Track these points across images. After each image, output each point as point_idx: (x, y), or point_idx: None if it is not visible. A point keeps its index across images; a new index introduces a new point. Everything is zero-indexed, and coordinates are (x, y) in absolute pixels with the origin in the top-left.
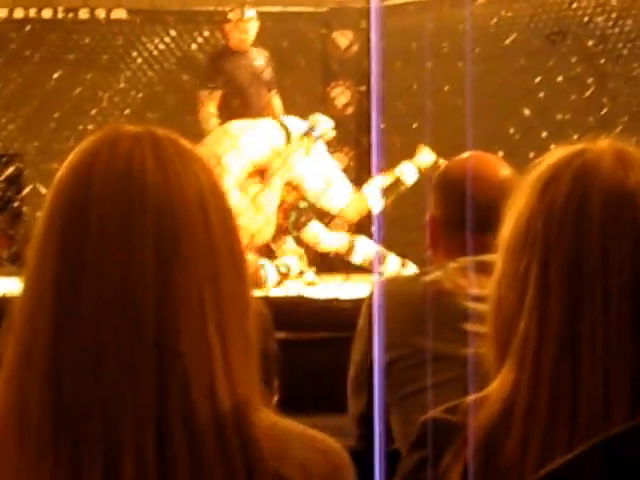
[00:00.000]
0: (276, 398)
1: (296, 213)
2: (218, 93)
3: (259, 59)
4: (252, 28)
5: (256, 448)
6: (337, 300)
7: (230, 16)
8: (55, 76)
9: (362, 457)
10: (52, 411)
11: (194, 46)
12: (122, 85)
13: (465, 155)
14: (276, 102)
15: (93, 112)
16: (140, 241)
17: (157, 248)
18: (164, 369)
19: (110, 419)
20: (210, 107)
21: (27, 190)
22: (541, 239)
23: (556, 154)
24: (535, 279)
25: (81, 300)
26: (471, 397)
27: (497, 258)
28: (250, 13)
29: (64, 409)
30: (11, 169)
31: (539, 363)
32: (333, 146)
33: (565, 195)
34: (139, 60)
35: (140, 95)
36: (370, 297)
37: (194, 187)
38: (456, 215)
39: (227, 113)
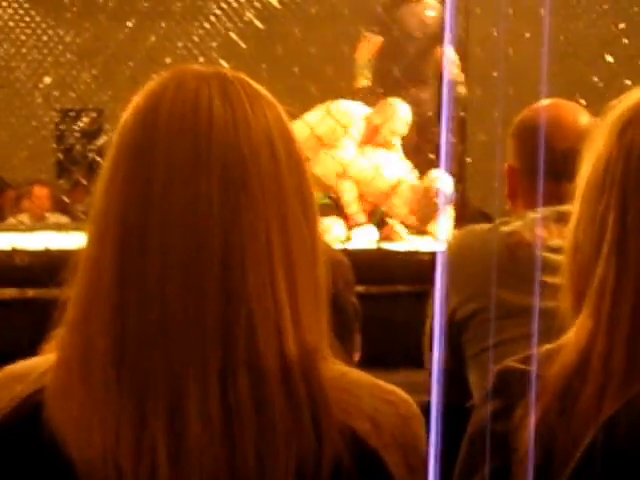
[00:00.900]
0: (358, 355)
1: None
2: (379, 39)
3: (431, 10)
4: None
5: (323, 398)
6: (417, 252)
7: None
8: (129, 25)
9: (445, 411)
10: (116, 355)
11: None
12: (196, 35)
13: (542, 102)
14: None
15: (168, 61)
16: (207, 179)
17: (224, 186)
18: (229, 310)
19: (174, 360)
20: (366, 51)
21: (101, 141)
22: (619, 183)
23: (635, 95)
24: (613, 224)
25: (146, 241)
26: (547, 347)
27: (574, 203)
28: None
29: (128, 349)
30: (85, 120)
31: (617, 311)
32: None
33: None
34: (216, 10)
35: (215, 44)
36: (448, 249)
37: (262, 126)
38: (535, 164)
39: (391, 62)
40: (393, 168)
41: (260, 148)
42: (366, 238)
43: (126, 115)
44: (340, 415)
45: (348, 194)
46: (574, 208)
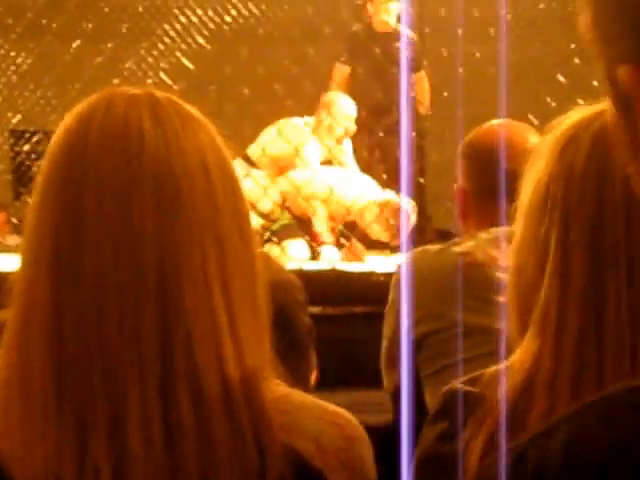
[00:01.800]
0: (315, 374)
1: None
2: (347, 69)
3: (402, 40)
4: (395, 9)
5: (265, 419)
6: (373, 273)
7: None
8: (74, 45)
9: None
10: (55, 373)
11: (227, 18)
12: (144, 57)
13: (492, 123)
14: (423, 82)
15: (115, 81)
16: (139, 200)
17: (156, 205)
18: (167, 329)
19: (113, 380)
20: (337, 82)
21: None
22: (561, 202)
23: (575, 115)
24: (556, 244)
25: (81, 263)
26: (493, 368)
27: (516, 223)
28: None
29: (66, 370)
30: (33, 141)
31: (562, 332)
32: None
33: (585, 156)
34: (164, 31)
35: (163, 65)
36: (400, 270)
37: (194, 146)
38: (485, 184)
39: (363, 92)
40: (357, 186)
41: (193, 168)
42: (334, 256)
43: (55, 137)
44: (283, 436)
45: (318, 212)
46: (516, 228)
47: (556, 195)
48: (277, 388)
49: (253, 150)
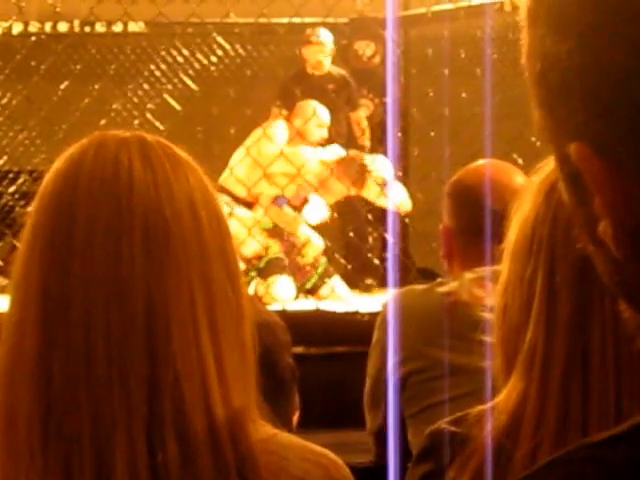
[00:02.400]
0: (297, 414)
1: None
2: (285, 113)
3: (336, 81)
4: (329, 50)
5: (252, 462)
6: (356, 313)
7: (311, 38)
8: (62, 87)
9: (382, 472)
10: (41, 415)
11: (213, 59)
12: (131, 97)
13: (478, 163)
14: (360, 119)
15: (102, 122)
16: (128, 242)
17: (146, 248)
18: (155, 371)
19: (100, 422)
20: (277, 126)
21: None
22: (547, 245)
23: None
24: (541, 286)
25: (69, 301)
26: (478, 408)
27: (502, 264)
28: (327, 36)
29: (53, 411)
30: (22, 182)
31: (547, 374)
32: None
33: None
34: (151, 72)
35: (150, 106)
36: (385, 310)
37: (183, 189)
38: (471, 224)
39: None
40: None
41: (182, 210)
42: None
43: (46, 180)
44: (269, 477)
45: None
46: (502, 270)
47: (542, 237)
48: (263, 429)
49: (225, 179)
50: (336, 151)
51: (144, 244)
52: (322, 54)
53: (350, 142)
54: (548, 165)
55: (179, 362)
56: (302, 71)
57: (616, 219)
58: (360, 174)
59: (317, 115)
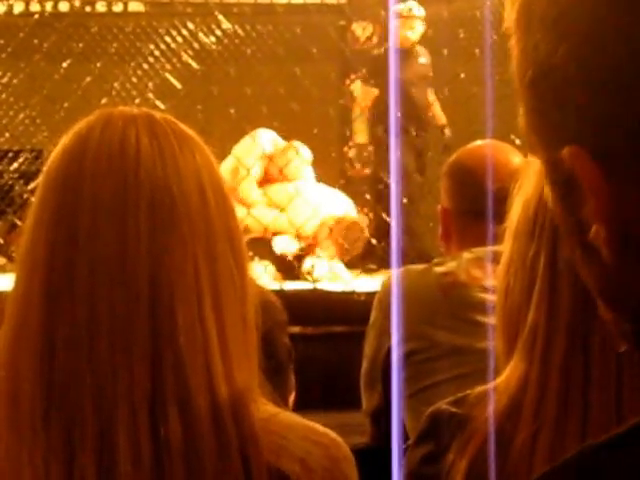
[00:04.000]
0: (293, 395)
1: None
2: (375, 92)
3: (423, 57)
4: (419, 26)
5: (253, 440)
6: (353, 293)
7: (402, 11)
8: (64, 65)
9: (378, 454)
10: (44, 390)
11: (212, 38)
12: (132, 76)
13: (475, 144)
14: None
15: (103, 101)
16: (134, 218)
17: (151, 224)
18: (158, 346)
19: (103, 397)
20: (364, 104)
21: (35, 183)
22: (549, 226)
23: None
24: (544, 268)
25: (74, 276)
26: (479, 389)
27: (504, 245)
28: (419, 11)
29: (56, 386)
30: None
31: (549, 356)
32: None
33: None
34: (152, 51)
35: (151, 85)
36: (382, 290)
37: (190, 166)
38: (469, 205)
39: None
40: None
41: (189, 187)
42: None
43: (53, 156)
44: (270, 456)
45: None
46: (504, 250)
47: (544, 220)
48: (265, 408)
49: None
50: (345, 207)
51: (150, 220)
52: (411, 29)
53: None
54: None
55: (182, 338)
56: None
57: (610, 222)
58: (358, 242)
59: (302, 156)
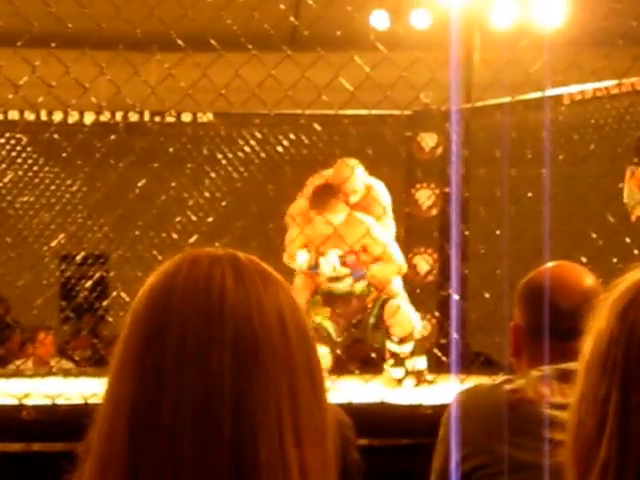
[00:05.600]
0: None
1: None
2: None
3: None
4: None
5: None
6: (420, 406)
7: None
8: (140, 184)
9: None
10: None
11: (279, 149)
12: (206, 194)
13: (548, 264)
14: None
15: (177, 219)
16: (219, 354)
17: (235, 363)
18: None
19: None
20: (631, 184)
21: (111, 298)
22: (621, 366)
23: (635, 276)
24: (615, 406)
25: (158, 418)
26: None
27: (577, 379)
28: None
29: None
30: (97, 274)
31: None
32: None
33: None
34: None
35: (224, 203)
36: (453, 408)
37: (274, 305)
38: (540, 323)
39: None
40: None
41: (272, 324)
42: None
43: (140, 294)
44: None
45: None
46: (577, 385)
47: (617, 357)
48: None
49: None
50: None
51: (234, 358)
52: None
53: None
54: (622, 283)
55: (264, 474)
56: None
57: None
58: None
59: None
